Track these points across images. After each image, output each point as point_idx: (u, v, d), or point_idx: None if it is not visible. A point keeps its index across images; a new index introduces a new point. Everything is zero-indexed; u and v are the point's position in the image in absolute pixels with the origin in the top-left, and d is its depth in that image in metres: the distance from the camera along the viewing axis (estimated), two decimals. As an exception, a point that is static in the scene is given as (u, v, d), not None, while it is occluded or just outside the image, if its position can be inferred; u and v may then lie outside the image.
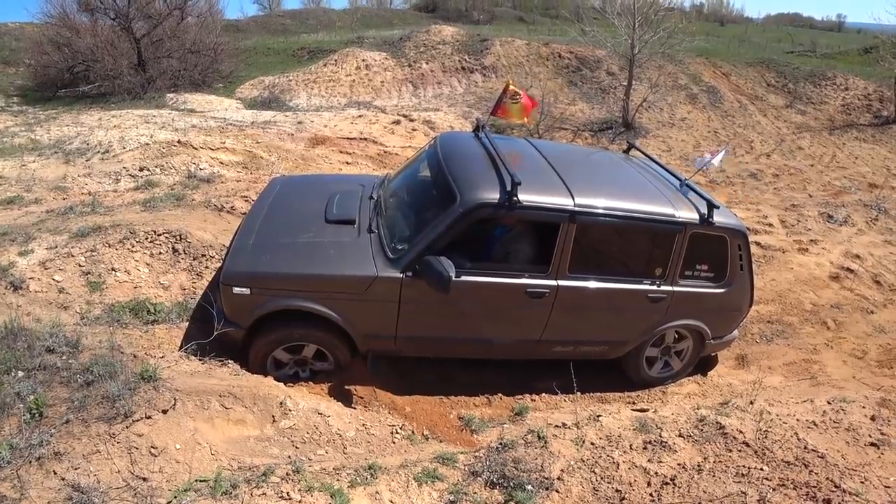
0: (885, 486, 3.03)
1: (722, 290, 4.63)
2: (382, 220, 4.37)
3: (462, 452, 3.45)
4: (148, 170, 7.71)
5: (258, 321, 3.94)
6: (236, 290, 3.84)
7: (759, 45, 27.43)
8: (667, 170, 5.09)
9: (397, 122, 12.68)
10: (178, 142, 8.50)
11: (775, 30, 43.68)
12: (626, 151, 5.60)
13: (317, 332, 4.03)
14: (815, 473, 3.13)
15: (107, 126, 10.03)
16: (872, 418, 3.80)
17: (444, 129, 13.01)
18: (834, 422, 3.73)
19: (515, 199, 3.87)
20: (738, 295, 4.74)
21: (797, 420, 3.69)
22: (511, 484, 3.05)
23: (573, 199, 4.04)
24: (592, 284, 4.22)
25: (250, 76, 17.82)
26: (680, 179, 4.79)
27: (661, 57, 15.45)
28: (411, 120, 13.17)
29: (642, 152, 5.58)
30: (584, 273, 4.18)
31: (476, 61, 17.79)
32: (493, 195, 3.89)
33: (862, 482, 3.06)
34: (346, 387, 4.08)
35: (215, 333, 3.89)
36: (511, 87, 5.80)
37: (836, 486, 3.00)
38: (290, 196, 4.97)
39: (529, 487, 3.03)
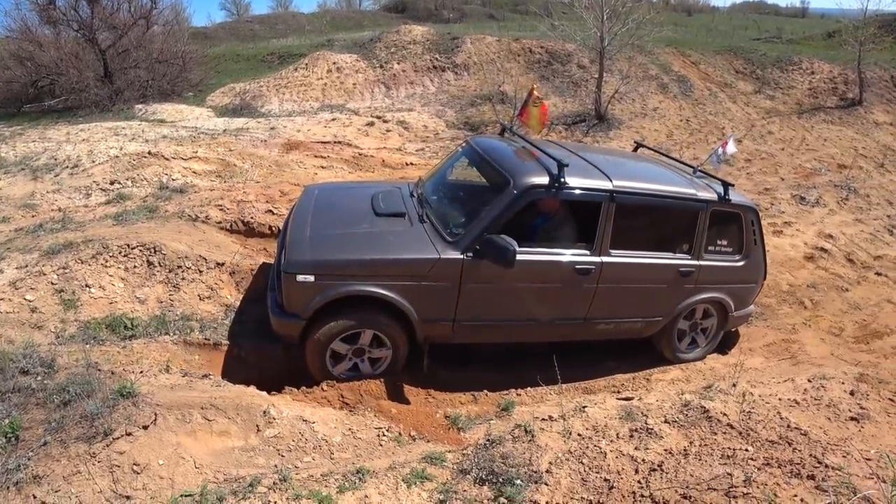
0: (866, 459, 3.09)
1: (741, 264, 5.03)
2: (431, 211, 4.58)
3: (450, 451, 3.44)
4: (119, 183, 7.57)
5: (318, 312, 4.00)
6: (300, 277, 3.90)
7: (727, 33, 27.82)
8: (677, 161, 5.57)
9: (371, 124, 12.63)
10: (149, 153, 8.36)
11: (741, 18, 44.32)
12: (635, 150, 6.03)
13: (378, 317, 4.11)
14: (799, 451, 3.17)
15: (75, 140, 9.83)
16: (851, 393, 3.88)
17: (419, 129, 12.99)
18: (815, 399, 3.79)
19: (563, 180, 4.17)
20: (754, 267, 5.14)
21: (779, 399, 3.75)
22: (500, 479, 3.05)
23: (611, 181, 4.37)
24: (630, 259, 4.53)
25: (221, 84, 17.58)
26: (692, 168, 5.25)
27: (631, 48, 15.56)
28: (385, 121, 13.13)
29: (650, 149, 6.09)
30: (623, 249, 4.49)
31: (448, 60, 17.78)
32: (543, 178, 4.20)
33: (844, 456, 3.11)
34: (331, 391, 4.06)
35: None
36: (535, 91, 5.92)
37: (819, 462, 3.05)
38: (331, 198, 5.11)
39: (519, 482, 3.03)
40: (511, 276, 4.09)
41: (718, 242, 4.88)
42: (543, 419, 3.60)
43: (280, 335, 4.19)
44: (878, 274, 6.95)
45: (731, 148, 5.63)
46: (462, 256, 4.07)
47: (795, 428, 3.37)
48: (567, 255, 4.34)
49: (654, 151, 6.01)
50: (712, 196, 4.73)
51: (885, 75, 15.88)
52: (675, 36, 21.45)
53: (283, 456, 3.29)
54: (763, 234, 5.17)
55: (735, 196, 4.86)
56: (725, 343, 5.55)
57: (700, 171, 5.20)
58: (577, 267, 4.34)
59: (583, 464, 3.19)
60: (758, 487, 2.90)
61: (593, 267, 4.38)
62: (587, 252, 4.38)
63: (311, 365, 4.16)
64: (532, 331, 4.63)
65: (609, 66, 14.86)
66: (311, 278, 3.91)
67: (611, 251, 4.43)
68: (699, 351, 5.30)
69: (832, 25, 24.59)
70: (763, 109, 14.88)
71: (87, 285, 4.74)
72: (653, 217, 4.66)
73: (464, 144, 5.42)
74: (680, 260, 4.73)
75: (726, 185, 4.81)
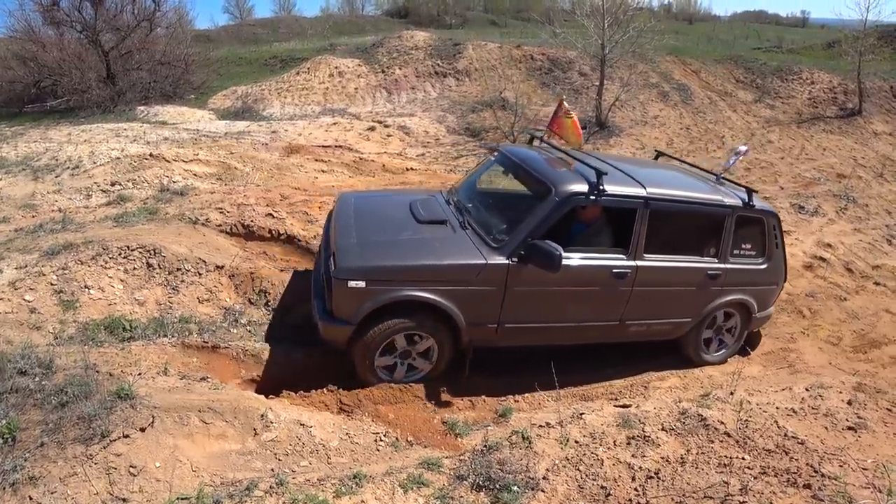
0: (863, 469, 3.09)
1: (763, 266, 5.18)
2: (472, 218, 4.69)
3: (447, 457, 3.44)
4: (120, 184, 7.58)
5: (366, 318, 4.05)
6: (351, 283, 3.95)
7: (727, 42, 27.90)
8: (699, 169, 5.81)
9: (372, 129, 12.66)
10: (151, 155, 8.38)
11: (742, 27, 44.42)
12: (656, 158, 6.24)
13: (426, 322, 4.19)
14: (796, 460, 3.17)
15: (76, 141, 9.84)
16: (849, 403, 3.88)
17: (420, 134, 13.02)
18: (812, 408, 3.79)
19: (602, 188, 4.32)
20: (776, 270, 5.31)
21: (776, 408, 3.75)
22: (497, 486, 3.04)
23: (645, 188, 4.52)
24: (663, 263, 4.68)
25: (222, 86, 17.61)
26: (715, 175, 5.45)
27: (632, 56, 15.60)
28: (386, 126, 13.16)
29: (671, 157, 6.27)
30: (656, 253, 4.64)
31: (449, 65, 17.82)
32: (583, 186, 4.35)
33: (840, 466, 3.12)
34: (329, 396, 4.06)
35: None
36: (564, 103, 5.97)
37: (815, 471, 3.05)
38: (369, 206, 5.18)
39: (515, 488, 3.03)
40: (553, 280, 4.20)
41: (743, 246, 5.04)
42: (541, 426, 3.60)
43: (327, 341, 4.23)
44: (877, 284, 6.96)
45: (743, 152, 5.88)
46: (507, 261, 4.17)
47: (792, 437, 3.37)
48: (605, 260, 4.48)
49: (675, 159, 6.23)
50: (737, 202, 4.89)
51: (884, 86, 15.93)
52: (675, 44, 21.51)
53: (280, 460, 3.29)
54: (784, 238, 5.31)
55: (758, 202, 5.02)
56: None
57: (722, 178, 5.37)
58: (615, 271, 4.48)
59: (580, 471, 3.19)
60: (754, 496, 2.90)
61: (629, 270, 4.52)
62: (623, 256, 4.53)
63: (359, 360, 4.19)
64: (570, 333, 4.74)
65: (610, 73, 14.90)
66: (362, 284, 3.96)
67: (645, 255, 4.58)
68: (723, 353, 5.41)
69: (832, 36, 24.66)
70: (763, 118, 14.91)
71: (86, 286, 4.74)
72: (683, 222, 4.83)
73: (495, 154, 5.58)
74: (708, 263, 4.88)
75: (750, 191, 4.99)
